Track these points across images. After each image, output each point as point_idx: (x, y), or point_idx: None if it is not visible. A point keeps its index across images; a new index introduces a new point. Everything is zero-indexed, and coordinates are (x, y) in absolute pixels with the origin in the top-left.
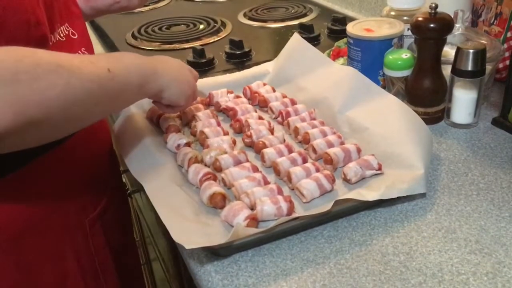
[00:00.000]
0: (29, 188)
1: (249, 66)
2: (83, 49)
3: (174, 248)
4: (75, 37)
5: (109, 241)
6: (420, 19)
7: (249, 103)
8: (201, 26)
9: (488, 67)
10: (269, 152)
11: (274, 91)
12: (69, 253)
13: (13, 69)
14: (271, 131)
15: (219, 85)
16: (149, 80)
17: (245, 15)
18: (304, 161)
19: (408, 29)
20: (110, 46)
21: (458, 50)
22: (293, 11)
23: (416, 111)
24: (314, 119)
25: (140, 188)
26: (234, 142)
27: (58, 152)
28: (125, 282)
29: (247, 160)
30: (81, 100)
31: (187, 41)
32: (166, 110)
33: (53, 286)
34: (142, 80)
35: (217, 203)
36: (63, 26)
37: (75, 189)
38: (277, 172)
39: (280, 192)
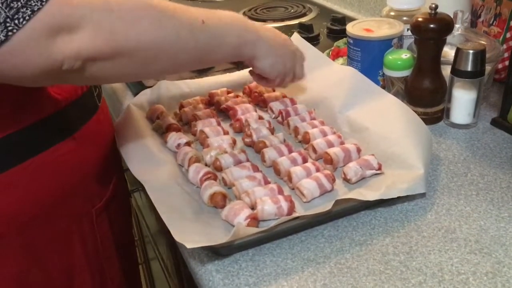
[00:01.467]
0: (38, 177)
1: (249, 66)
2: None
3: (174, 247)
4: None
5: (113, 231)
6: (420, 19)
7: (249, 103)
8: None
9: (488, 68)
10: (269, 151)
11: (273, 90)
12: (76, 241)
13: None
14: (271, 130)
15: (219, 84)
16: (247, 43)
17: (244, 14)
18: (304, 160)
19: (408, 30)
20: None
21: (458, 51)
22: (292, 10)
23: (415, 111)
24: (314, 118)
25: (139, 187)
26: (234, 142)
27: (68, 143)
28: (125, 274)
29: (248, 160)
30: (171, 41)
31: None
32: (259, 82)
33: (60, 274)
34: (240, 41)
35: (218, 202)
36: None
37: (83, 179)
38: (277, 171)
39: (280, 191)
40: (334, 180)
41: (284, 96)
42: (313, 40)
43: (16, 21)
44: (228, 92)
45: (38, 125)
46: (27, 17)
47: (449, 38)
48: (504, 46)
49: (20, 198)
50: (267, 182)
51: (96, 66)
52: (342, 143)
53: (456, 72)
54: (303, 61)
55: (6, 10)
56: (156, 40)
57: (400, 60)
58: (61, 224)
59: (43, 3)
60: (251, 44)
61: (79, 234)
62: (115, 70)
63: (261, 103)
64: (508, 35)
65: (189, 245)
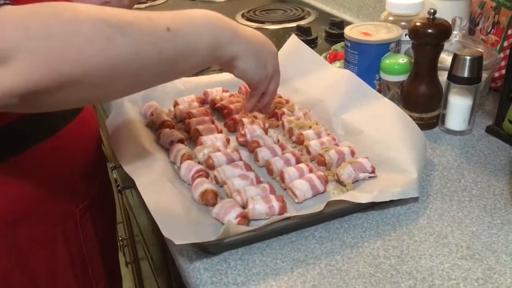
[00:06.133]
0: (21, 177)
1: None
2: None
3: (163, 244)
4: None
5: (97, 232)
6: (418, 24)
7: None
8: None
9: (484, 75)
10: (262, 151)
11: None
12: (60, 242)
13: (48, 22)
14: (265, 130)
15: (215, 83)
16: (223, 42)
17: (243, 15)
18: (298, 161)
19: (405, 35)
20: None
21: (455, 57)
22: (291, 13)
23: (411, 116)
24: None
25: (131, 185)
26: (228, 141)
27: (52, 141)
28: (110, 277)
29: (241, 159)
30: (128, 60)
31: None
32: (251, 110)
33: (43, 275)
34: (215, 42)
35: (209, 200)
36: None
37: (67, 178)
38: (270, 171)
39: (272, 191)
40: (327, 181)
41: (280, 97)
42: (311, 43)
43: None
44: (224, 91)
45: (19, 123)
46: None
47: (446, 45)
48: (501, 55)
49: (2, 197)
50: (259, 182)
51: (41, 99)
52: (336, 145)
53: (453, 78)
54: (279, 76)
55: None
56: (108, 62)
57: (397, 65)
58: (44, 224)
59: None
60: (228, 43)
61: (62, 234)
62: (68, 98)
63: None
64: (505, 43)
65: (177, 241)
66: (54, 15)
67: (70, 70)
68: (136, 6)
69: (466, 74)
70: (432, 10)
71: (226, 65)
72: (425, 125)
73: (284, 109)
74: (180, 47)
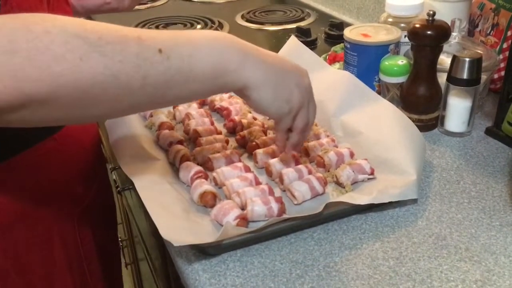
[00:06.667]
0: (20, 178)
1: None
2: None
3: (162, 246)
4: None
5: (95, 234)
6: (417, 25)
7: (244, 104)
8: (198, 26)
9: (483, 77)
10: (261, 152)
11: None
12: (57, 244)
13: (13, 36)
14: (265, 132)
15: None
16: (230, 68)
17: (242, 17)
18: (297, 163)
19: (405, 36)
20: None
21: (454, 58)
22: (291, 15)
23: (410, 118)
24: None
25: (130, 186)
26: (227, 142)
27: (50, 142)
28: (109, 280)
29: (240, 160)
30: (104, 83)
31: None
32: (280, 143)
33: (40, 278)
34: (219, 68)
35: (208, 201)
36: None
37: (64, 180)
38: (269, 173)
39: (271, 193)
40: (326, 183)
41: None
42: (311, 45)
43: None
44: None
45: None
46: None
47: (445, 47)
48: (501, 56)
49: (0, 199)
50: (258, 183)
51: (5, 116)
52: (335, 147)
53: (452, 79)
54: (311, 110)
55: None
56: (80, 83)
57: (396, 66)
58: (42, 226)
59: None
60: (237, 70)
61: (60, 236)
62: (38, 117)
63: None
64: (505, 45)
65: (176, 243)
66: (22, 29)
67: (35, 89)
68: (136, 7)
69: (465, 76)
70: (431, 12)
71: (238, 94)
72: (424, 126)
73: None
74: (172, 72)
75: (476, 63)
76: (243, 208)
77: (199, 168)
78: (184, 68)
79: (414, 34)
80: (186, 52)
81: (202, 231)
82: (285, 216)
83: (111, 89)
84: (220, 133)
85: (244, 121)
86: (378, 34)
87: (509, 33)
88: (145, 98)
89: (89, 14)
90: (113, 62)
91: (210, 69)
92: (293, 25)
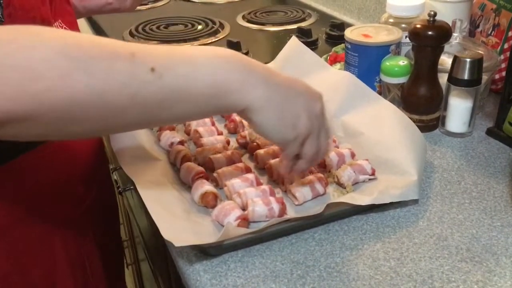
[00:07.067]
0: (21, 179)
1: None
2: None
3: (163, 246)
4: None
5: (97, 236)
6: (418, 26)
7: None
8: (199, 27)
9: (484, 77)
10: (262, 153)
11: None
12: (58, 244)
13: None
14: None
15: None
16: (232, 88)
17: (243, 17)
18: None
19: (406, 37)
20: None
21: (455, 59)
22: (292, 15)
23: (411, 118)
24: None
25: (131, 186)
26: (228, 142)
27: (50, 144)
28: (111, 281)
29: (241, 161)
30: (87, 102)
31: (185, 41)
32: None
33: (41, 279)
34: (218, 88)
35: (209, 202)
36: (57, 22)
37: (66, 181)
38: (270, 173)
39: (272, 193)
40: (327, 183)
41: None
42: (312, 45)
43: None
44: None
45: None
46: None
47: (446, 47)
48: (502, 57)
49: (1, 200)
50: (259, 184)
51: None
52: (336, 147)
53: (453, 80)
54: (322, 137)
55: None
56: (61, 102)
57: (397, 67)
58: (43, 226)
59: None
60: (239, 90)
61: (61, 238)
62: (19, 133)
63: None
64: (506, 45)
65: (177, 244)
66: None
67: (12, 107)
68: (138, 7)
69: (466, 76)
70: (432, 12)
71: (241, 116)
72: (425, 127)
73: None
74: (164, 92)
75: (477, 64)
76: (244, 208)
77: (200, 168)
78: (179, 88)
79: (415, 35)
80: (181, 71)
81: (203, 232)
82: (286, 216)
83: (93, 109)
84: (221, 133)
85: (245, 121)
86: (379, 35)
87: (510, 34)
88: (135, 118)
89: (90, 14)
90: (97, 81)
91: (209, 89)
92: (294, 26)
